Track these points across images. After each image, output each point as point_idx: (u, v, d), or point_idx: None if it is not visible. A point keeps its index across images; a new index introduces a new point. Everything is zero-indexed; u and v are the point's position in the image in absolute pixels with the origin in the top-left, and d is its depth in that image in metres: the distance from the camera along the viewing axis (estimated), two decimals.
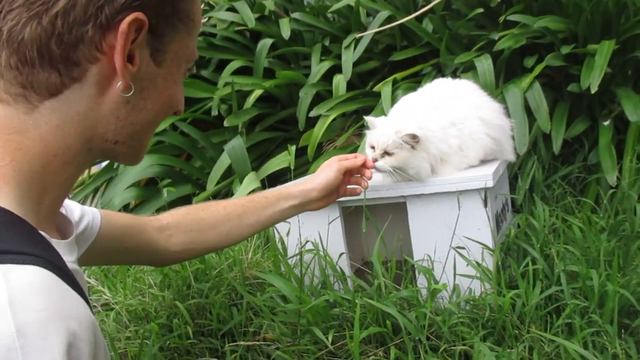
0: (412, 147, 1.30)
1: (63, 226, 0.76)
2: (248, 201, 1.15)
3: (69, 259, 0.67)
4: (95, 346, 0.52)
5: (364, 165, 1.29)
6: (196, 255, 1.14)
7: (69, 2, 0.59)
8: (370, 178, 1.30)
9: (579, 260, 1.29)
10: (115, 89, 0.64)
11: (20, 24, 0.59)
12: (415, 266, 1.32)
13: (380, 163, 1.30)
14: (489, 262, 1.30)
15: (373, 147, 1.32)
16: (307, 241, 1.38)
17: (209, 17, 2.43)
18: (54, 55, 0.60)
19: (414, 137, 1.29)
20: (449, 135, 1.37)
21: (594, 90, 1.69)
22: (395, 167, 1.30)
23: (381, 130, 1.32)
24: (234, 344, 1.24)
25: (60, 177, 0.65)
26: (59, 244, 0.64)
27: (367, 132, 1.39)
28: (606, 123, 1.84)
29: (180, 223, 1.06)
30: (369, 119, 1.38)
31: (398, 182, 1.35)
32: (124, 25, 0.60)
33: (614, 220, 1.53)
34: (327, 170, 1.24)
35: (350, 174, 1.30)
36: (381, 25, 2.06)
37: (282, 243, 1.45)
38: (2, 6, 0.59)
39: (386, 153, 1.30)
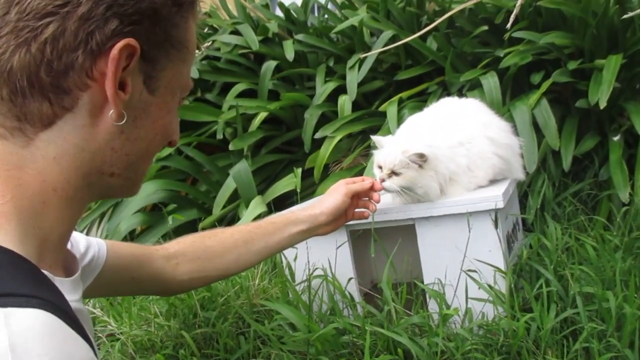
0: (420, 166, 1.28)
1: (67, 262, 0.73)
2: (255, 227, 1.14)
3: (73, 297, 0.65)
4: None
5: (372, 189, 1.27)
6: (204, 283, 1.14)
7: (58, 28, 0.58)
8: (378, 201, 1.28)
9: (594, 281, 1.26)
10: (108, 118, 0.62)
11: (8, 52, 0.58)
12: (426, 290, 1.29)
13: (387, 183, 1.28)
14: (502, 285, 1.27)
15: (380, 167, 1.31)
16: (315, 268, 1.36)
17: (213, 41, 2.43)
18: (44, 84, 0.59)
19: (422, 156, 1.27)
20: (457, 154, 1.35)
21: (602, 105, 1.67)
22: (403, 187, 1.28)
23: (388, 150, 1.30)
24: None
25: (62, 213, 0.63)
26: (62, 282, 0.62)
27: (374, 152, 1.37)
28: (616, 138, 1.81)
29: (186, 252, 1.05)
30: (376, 138, 1.36)
31: (406, 203, 1.32)
32: (114, 51, 0.59)
33: (628, 237, 1.49)
34: (334, 194, 1.22)
35: (358, 197, 1.28)
36: (385, 45, 2.05)
37: (290, 269, 1.42)
38: None
39: (394, 173, 1.28)
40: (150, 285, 1.04)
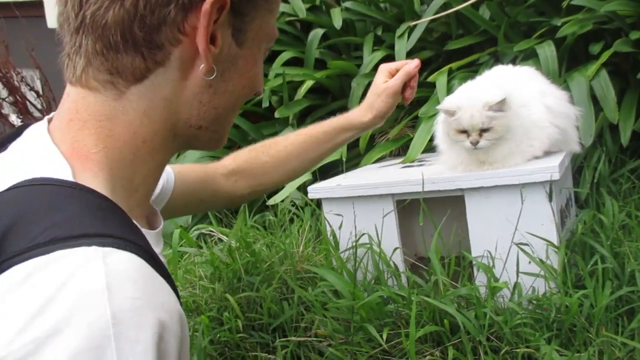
0: (504, 111, 1.27)
1: (151, 215, 0.75)
2: (308, 137, 1.17)
3: (157, 250, 0.67)
4: (181, 340, 0.52)
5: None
6: (262, 193, 1.22)
7: None
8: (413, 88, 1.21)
9: None
10: (198, 73, 0.63)
11: (103, 8, 0.58)
12: (474, 263, 1.25)
13: (482, 142, 1.27)
14: (554, 260, 1.23)
15: (465, 131, 1.28)
16: (361, 234, 1.34)
17: None
18: (137, 39, 0.59)
19: (502, 102, 1.26)
20: (520, 115, 1.31)
21: None
22: (497, 139, 1.27)
23: (465, 113, 1.26)
24: (285, 339, 1.21)
25: (149, 164, 0.65)
26: (148, 234, 0.63)
27: (445, 119, 1.32)
28: None
29: (243, 169, 1.12)
30: (448, 104, 1.30)
31: (493, 161, 1.30)
32: (206, 5, 0.59)
33: None
34: (384, 98, 1.18)
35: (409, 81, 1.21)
36: (436, 13, 1.99)
37: (334, 236, 1.41)
38: None
39: (483, 131, 1.27)
40: (214, 202, 1.13)
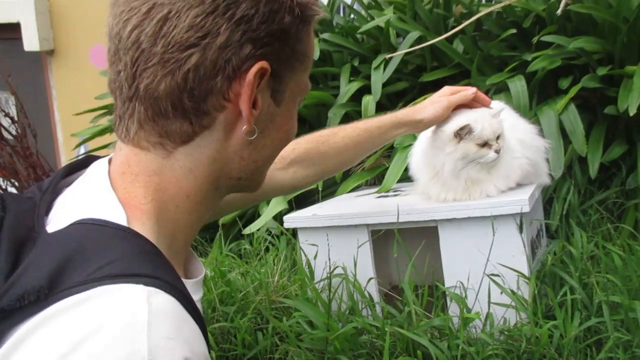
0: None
1: (191, 264, 0.79)
2: (363, 130, 1.25)
3: (195, 297, 0.70)
4: None
5: (474, 99, 1.33)
6: (315, 182, 1.27)
7: (200, 59, 0.63)
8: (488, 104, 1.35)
9: (620, 290, 1.23)
10: (240, 132, 0.68)
11: (155, 81, 0.64)
12: (447, 293, 1.27)
13: (502, 148, 1.31)
14: (525, 291, 1.25)
15: (485, 144, 1.29)
16: (336, 266, 1.35)
17: None
18: (186, 108, 0.65)
19: (500, 111, 1.33)
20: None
21: (632, 112, 1.63)
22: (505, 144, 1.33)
23: (485, 122, 1.29)
24: None
25: (191, 216, 0.70)
26: (186, 283, 0.67)
27: (458, 146, 1.30)
28: None
29: (303, 160, 1.18)
30: (464, 122, 1.29)
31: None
32: (250, 76, 0.64)
33: None
34: (437, 106, 1.28)
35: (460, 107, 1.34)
36: (411, 46, 2.03)
37: (309, 266, 1.41)
38: (137, 64, 0.64)
39: (498, 138, 1.31)
40: (270, 194, 1.26)
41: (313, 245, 1.36)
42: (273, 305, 1.33)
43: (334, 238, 1.41)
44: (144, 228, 0.63)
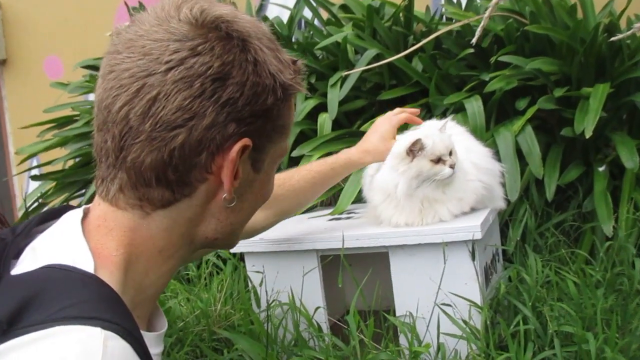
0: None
1: (155, 317, 0.80)
2: (317, 172, 1.29)
3: (154, 351, 0.72)
4: None
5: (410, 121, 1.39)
6: (274, 223, 1.26)
7: (186, 138, 0.66)
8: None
9: (573, 319, 1.20)
10: (219, 199, 0.72)
11: (142, 156, 0.67)
12: (396, 324, 1.21)
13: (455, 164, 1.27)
14: (477, 320, 1.20)
15: (438, 160, 1.25)
16: (277, 293, 1.28)
17: None
18: (170, 180, 0.68)
19: (445, 124, 1.31)
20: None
21: (588, 134, 1.62)
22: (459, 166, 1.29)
23: (436, 137, 1.26)
24: None
25: (162, 269, 0.73)
26: (146, 336, 0.68)
27: (411, 164, 1.26)
28: (601, 169, 1.76)
29: None
30: (416, 138, 1.26)
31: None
32: (232, 154, 0.69)
33: (611, 272, 1.43)
34: (386, 142, 1.32)
35: None
36: (368, 64, 1.99)
37: (255, 294, 1.34)
38: (125, 138, 0.67)
39: (450, 154, 1.27)
40: None
41: (258, 272, 1.29)
42: (215, 336, 1.25)
43: (282, 263, 1.35)
44: (111, 278, 0.65)
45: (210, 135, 0.67)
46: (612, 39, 1.68)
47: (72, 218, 0.73)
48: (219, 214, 0.73)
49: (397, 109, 1.42)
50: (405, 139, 1.25)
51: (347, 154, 1.35)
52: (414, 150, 1.23)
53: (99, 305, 0.60)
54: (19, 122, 3.40)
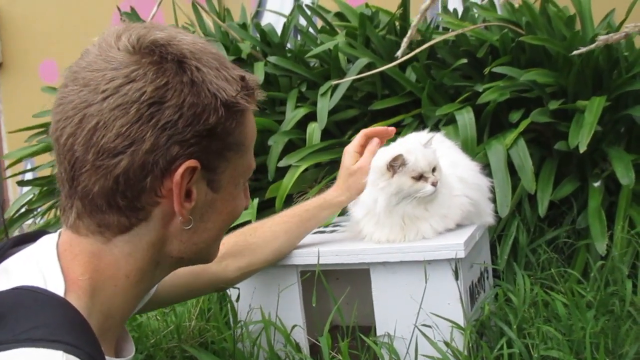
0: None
1: (123, 343, 0.80)
2: (290, 217, 1.24)
3: None
4: None
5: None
6: (252, 273, 1.22)
7: (129, 164, 0.67)
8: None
9: (561, 342, 1.14)
10: (177, 222, 0.72)
11: (90, 184, 0.69)
12: (371, 346, 1.16)
13: (438, 181, 1.21)
14: (460, 342, 1.15)
15: (419, 178, 1.19)
16: (252, 310, 1.23)
17: None
18: (120, 206, 0.69)
19: (431, 140, 1.24)
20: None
21: (582, 149, 1.57)
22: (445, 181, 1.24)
23: (418, 153, 1.20)
24: None
25: (129, 293, 0.73)
26: None
27: (391, 180, 1.20)
28: (597, 184, 1.71)
29: (232, 252, 1.15)
30: (398, 153, 1.20)
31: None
32: (177, 177, 0.69)
33: (604, 292, 1.38)
34: (359, 176, 1.25)
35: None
36: (360, 73, 1.95)
37: (232, 309, 1.29)
38: (74, 169, 0.69)
39: (434, 171, 1.21)
40: (206, 290, 1.18)
41: (234, 288, 1.25)
42: (186, 354, 1.20)
43: (260, 279, 1.30)
44: (78, 302, 0.66)
45: (152, 159, 0.67)
46: (575, 52, 1.63)
47: (47, 241, 0.74)
48: (180, 236, 0.73)
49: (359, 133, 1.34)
50: (387, 153, 1.20)
51: (322, 195, 1.31)
52: (395, 166, 1.18)
53: (64, 329, 0.60)
54: (13, 126, 3.36)
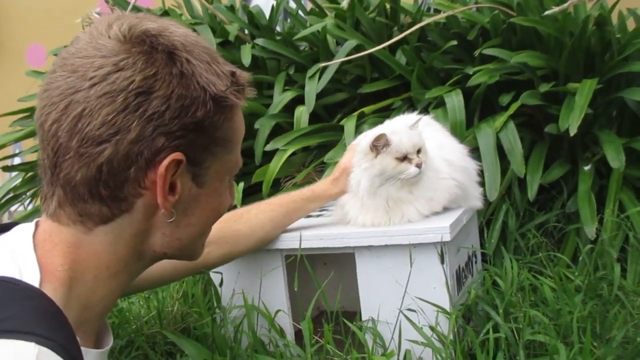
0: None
1: (102, 334, 0.79)
2: (277, 206, 1.23)
3: None
4: None
5: None
6: (230, 260, 1.20)
7: (112, 153, 0.66)
8: None
9: (547, 327, 1.13)
10: (160, 214, 0.72)
11: (72, 172, 0.68)
12: (363, 327, 1.14)
13: (423, 165, 1.18)
14: (445, 326, 1.13)
15: (404, 159, 1.17)
16: (235, 295, 1.21)
17: None
18: (103, 195, 0.69)
19: (418, 121, 1.21)
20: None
21: (573, 132, 1.54)
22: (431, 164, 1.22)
23: (403, 134, 1.18)
24: None
25: (110, 285, 0.72)
26: (87, 353, 0.69)
27: (374, 160, 1.18)
28: (587, 168, 1.69)
29: (217, 239, 1.10)
30: (381, 133, 1.18)
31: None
32: (161, 169, 0.68)
33: (593, 277, 1.37)
34: (347, 175, 1.24)
35: None
36: (348, 55, 1.92)
37: (216, 293, 1.27)
38: (57, 155, 0.68)
39: (419, 152, 1.19)
40: (186, 273, 1.15)
41: (217, 272, 1.22)
42: (168, 340, 1.18)
43: (244, 263, 1.28)
44: (55, 293, 0.65)
45: (137, 150, 0.67)
46: (546, 12, 1.62)
47: (22, 231, 0.73)
48: (164, 229, 0.73)
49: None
50: (371, 133, 1.18)
51: (312, 187, 1.29)
52: (378, 146, 1.15)
53: (37, 320, 0.60)
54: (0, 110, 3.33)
